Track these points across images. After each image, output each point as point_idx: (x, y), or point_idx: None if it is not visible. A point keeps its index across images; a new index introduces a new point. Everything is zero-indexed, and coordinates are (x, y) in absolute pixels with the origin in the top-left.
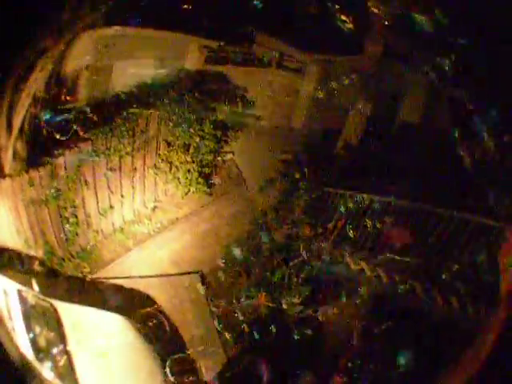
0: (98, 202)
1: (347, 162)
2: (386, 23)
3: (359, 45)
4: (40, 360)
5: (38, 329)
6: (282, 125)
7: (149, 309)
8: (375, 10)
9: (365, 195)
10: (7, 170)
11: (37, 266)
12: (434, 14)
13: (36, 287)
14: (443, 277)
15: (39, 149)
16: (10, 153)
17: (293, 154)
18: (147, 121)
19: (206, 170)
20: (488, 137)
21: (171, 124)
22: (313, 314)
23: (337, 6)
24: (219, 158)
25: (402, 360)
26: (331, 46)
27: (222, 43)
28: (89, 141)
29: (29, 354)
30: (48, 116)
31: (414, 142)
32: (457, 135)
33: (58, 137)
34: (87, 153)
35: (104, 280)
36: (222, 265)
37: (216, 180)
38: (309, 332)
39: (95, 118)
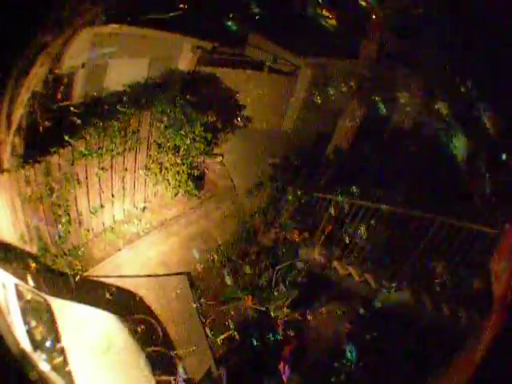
0: (89, 201)
1: (337, 167)
2: (382, 25)
3: (354, 48)
4: (36, 352)
5: (33, 322)
6: (272, 128)
7: (141, 310)
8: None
9: (354, 201)
10: (5, 165)
11: (31, 262)
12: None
13: (31, 282)
14: (433, 283)
15: (35, 146)
16: (8, 148)
17: (282, 157)
18: (139, 121)
19: (196, 172)
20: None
21: (162, 125)
22: (299, 318)
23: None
24: (209, 161)
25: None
26: (325, 50)
27: (215, 45)
28: (83, 139)
29: (26, 346)
30: (45, 113)
31: (406, 147)
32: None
33: (53, 134)
34: (80, 152)
35: (95, 278)
36: (210, 266)
37: (205, 182)
38: (295, 335)
39: (89, 117)
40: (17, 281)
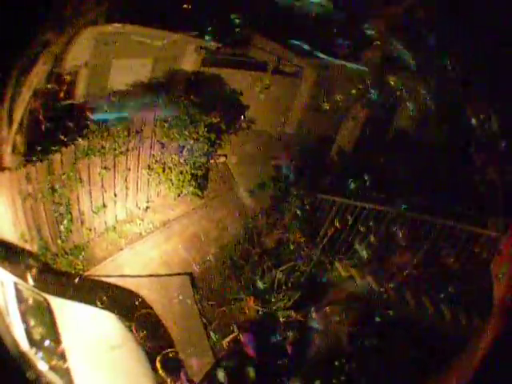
0: (91, 200)
1: (341, 169)
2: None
3: (357, 50)
4: (34, 352)
5: (32, 322)
6: (276, 129)
7: (143, 310)
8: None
9: (357, 202)
10: (6, 162)
11: (31, 261)
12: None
13: (30, 281)
14: (435, 285)
15: (37, 144)
16: (9, 146)
17: (286, 159)
18: (143, 121)
19: (199, 173)
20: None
21: (166, 125)
22: (302, 319)
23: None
24: (212, 161)
25: None
26: (329, 51)
27: (219, 45)
28: (85, 138)
29: (24, 345)
30: (47, 112)
31: (409, 150)
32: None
33: (55, 133)
34: (83, 151)
35: (96, 278)
36: (212, 267)
37: (208, 183)
38: (297, 337)
39: (92, 116)
40: (16, 279)
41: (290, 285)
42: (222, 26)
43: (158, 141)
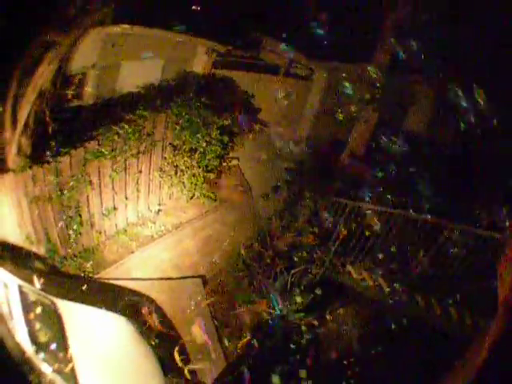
0: (102, 203)
1: (352, 172)
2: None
3: (368, 53)
4: (38, 355)
5: (37, 324)
6: (288, 132)
7: (154, 313)
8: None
9: (370, 206)
10: (11, 164)
11: (38, 263)
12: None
13: (37, 284)
14: (442, 287)
15: (44, 146)
16: (14, 147)
17: (299, 162)
18: (154, 124)
19: (211, 175)
20: None
21: (178, 128)
22: (314, 322)
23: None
24: (225, 164)
25: None
26: (340, 54)
27: (230, 47)
28: (95, 141)
29: (27, 347)
30: (54, 113)
31: (420, 153)
32: None
33: (63, 134)
34: (93, 153)
35: (106, 281)
36: (224, 270)
37: (221, 185)
38: (310, 339)
39: (102, 118)
40: (21, 282)
41: (302, 288)
42: (233, 29)
43: (169, 143)
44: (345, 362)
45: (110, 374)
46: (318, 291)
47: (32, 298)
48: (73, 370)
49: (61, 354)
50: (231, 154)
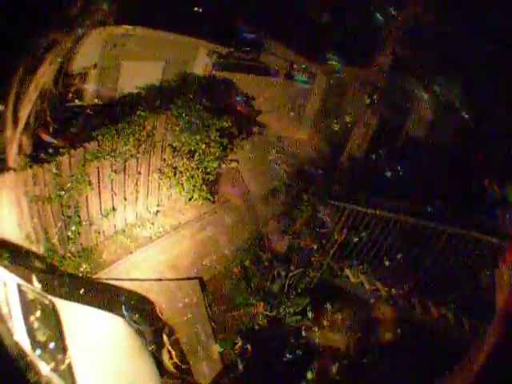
0: (100, 203)
1: (351, 175)
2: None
3: (369, 57)
4: (36, 353)
5: (36, 323)
6: (288, 135)
7: (151, 314)
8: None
9: (368, 209)
10: (11, 163)
11: (37, 262)
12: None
13: (36, 283)
14: (440, 291)
15: (45, 145)
16: (15, 146)
17: (297, 165)
18: (154, 125)
19: (210, 177)
20: None
21: (177, 129)
22: (310, 325)
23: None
24: (224, 166)
25: None
26: (341, 57)
27: (231, 49)
28: (95, 141)
29: (25, 346)
30: (55, 113)
31: (419, 156)
32: None
33: (64, 134)
34: (93, 153)
35: (104, 281)
36: (222, 272)
37: (219, 187)
38: (305, 342)
39: (102, 119)
40: (20, 281)
41: (299, 290)
42: (234, 31)
43: (169, 145)
44: (342, 364)
45: (107, 374)
46: (316, 294)
47: (31, 297)
48: (70, 368)
49: (59, 353)
50: (230, 157)
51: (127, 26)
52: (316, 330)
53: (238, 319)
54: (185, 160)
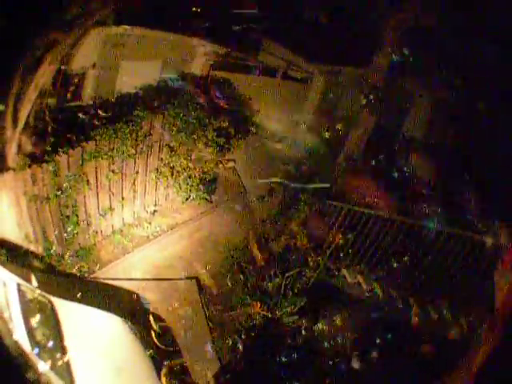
0: (98, 203)
1: (349, 176)
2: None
3: (367, 57)
4: (35, 352)
5: (35, 323)
6: (285, 135)
7: (149, 314)
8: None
9: (365, 210)
10: (11, 163)
11: (36, 262)
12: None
13: (34, 282)
14: (438, 292)
15: (43, 145)
16: (14, 146)
17: (294, 165)
18: (151, 125)
19: (207, 177)
20: None
21: (175, 129)
22: (307, 325)
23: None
24: (221, 166)
25: None
26: (339, 57)
27: (229, 49)
28: (93, 141)
29: (25, 345)
30: (54, 112)
31: (416, 155)
32: None
33: (62, 135)
34: (90, 153)
35: (102, 280)
36: (219, 272)
37: (216, 187)
38: (302, 342)
39: (100, 118)
40: (19, 280)
41: (296, 290)
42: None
43: (166, 144)
44: (339, 365)
45: (105, 373)
46: (313, 294)
47: (30, 296)
48: (69, 367)
49: (57, 352)
50: (227, 156)
51: (126, 26)
52: (313, 329)
53: (235, 319)
54: (182, 160)
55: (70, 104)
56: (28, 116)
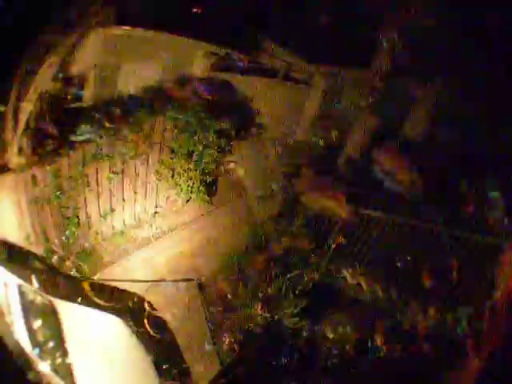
0: (99, 205)
1: (350, 177)
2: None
3: (367, 58)
4: (36, 353)
5: (36, 324)
6: (286, 136)
7: (149, 315)
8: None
9: (366, 211)
10: (11, 164)
11: (37, 263)
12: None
13: (35, 284)
14: (440, 294)
15: (44, 147)
16: (15, 147)
17: (295, 166)
18: (152, 126)
19: (208, 179)
20: None
21: (176, 131)
22: (307, 326)
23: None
24: (222, 167)
25: None
26: (339, 58)
27: (229, 50)
28: (93, 142)
29: (26, 346)
30: (54, 114)
31: (417, 158)
32: None
33: (63, 136)
34: (91, 154)
35: (102, 281)
36: (220, 274)
37: (217, 189)
38: (303, 343)
39: (100, 120)
40: (20, 281)
41: (297, 292)
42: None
43: (167, 146)
44: (341, 365)
45: (106, 373)
46: (314, 296)
47: (31, 297)
48: (69, 368)
49: (58, 353)
50: (228, 158)
51: (126, 28)
52: (314, 330)
53: (236, 321)
54: (183, 161)
55: (70, 105)
56: (29, 117)
